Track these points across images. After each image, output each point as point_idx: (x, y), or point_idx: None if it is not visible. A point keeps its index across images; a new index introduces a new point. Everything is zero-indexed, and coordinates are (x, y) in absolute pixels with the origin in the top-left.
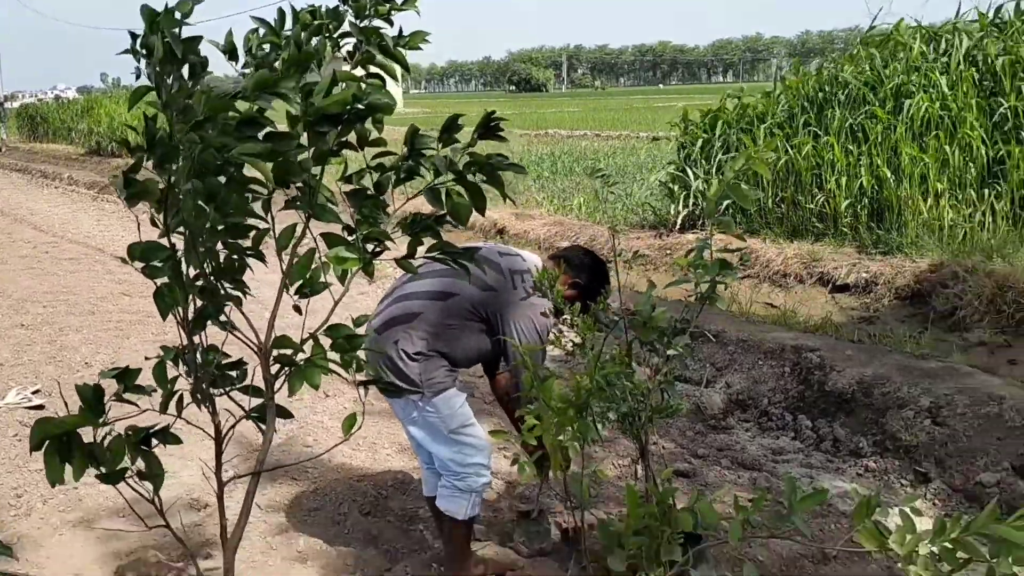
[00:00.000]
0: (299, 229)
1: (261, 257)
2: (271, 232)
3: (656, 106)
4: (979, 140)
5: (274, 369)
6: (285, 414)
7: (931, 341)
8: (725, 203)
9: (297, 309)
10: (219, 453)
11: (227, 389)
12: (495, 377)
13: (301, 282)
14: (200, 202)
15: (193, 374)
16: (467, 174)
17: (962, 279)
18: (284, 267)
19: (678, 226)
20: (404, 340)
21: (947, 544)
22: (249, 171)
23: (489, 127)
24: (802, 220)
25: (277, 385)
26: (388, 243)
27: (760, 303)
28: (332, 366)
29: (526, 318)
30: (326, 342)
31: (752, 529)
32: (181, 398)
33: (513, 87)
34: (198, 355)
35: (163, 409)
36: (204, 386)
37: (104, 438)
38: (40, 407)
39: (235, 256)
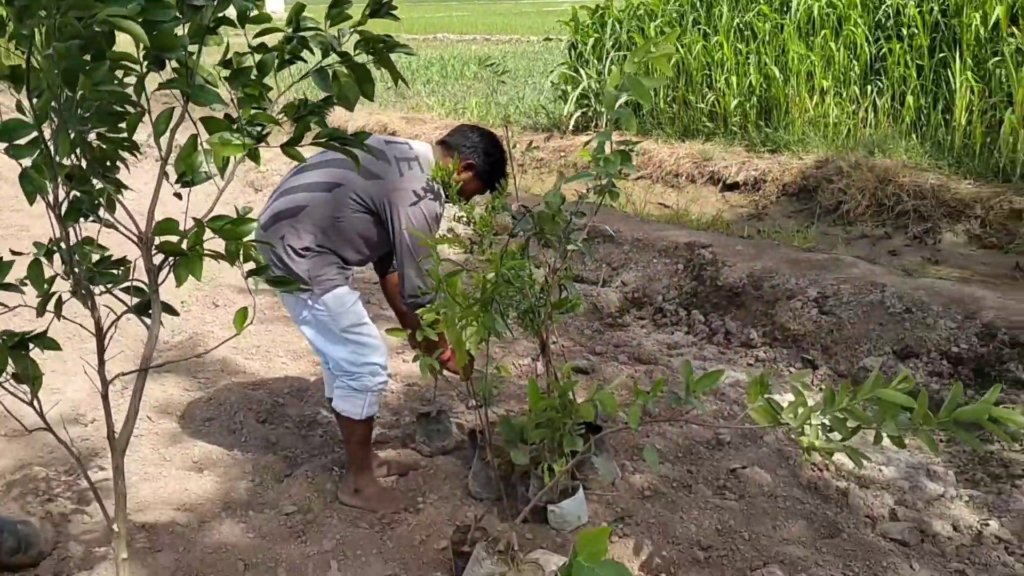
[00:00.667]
0: (177, 113)
1: (135, 147)
2: (148, 116)
3: (546, 10)
4: (863, 38)
5: (157, 260)
6: (170, 310)
7: (817, 235)
8: (621, 99)
9: (178, 195)
10: (101, 350)
11: (108, 286)
12: (386, 277)
13: (183, 171)
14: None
15: (69, 268)
16: (355, 55)
17: (846, 174)
18: (162, 154)
19: (571, 128)
20: (290, 235)
21: (837, 414)
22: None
23: (381, 3)
24: (693, 120)
25: (161, 278)
26: (273, 135)
27: (654, 203)
28: (218, 258)
29: (415, 207)
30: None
31: (651, 416)
32: (59, 299)
33: None
34: (74, 249)
35: (40, 311)
36: (82, 280)
37: None
38: None
39: (107, 146)
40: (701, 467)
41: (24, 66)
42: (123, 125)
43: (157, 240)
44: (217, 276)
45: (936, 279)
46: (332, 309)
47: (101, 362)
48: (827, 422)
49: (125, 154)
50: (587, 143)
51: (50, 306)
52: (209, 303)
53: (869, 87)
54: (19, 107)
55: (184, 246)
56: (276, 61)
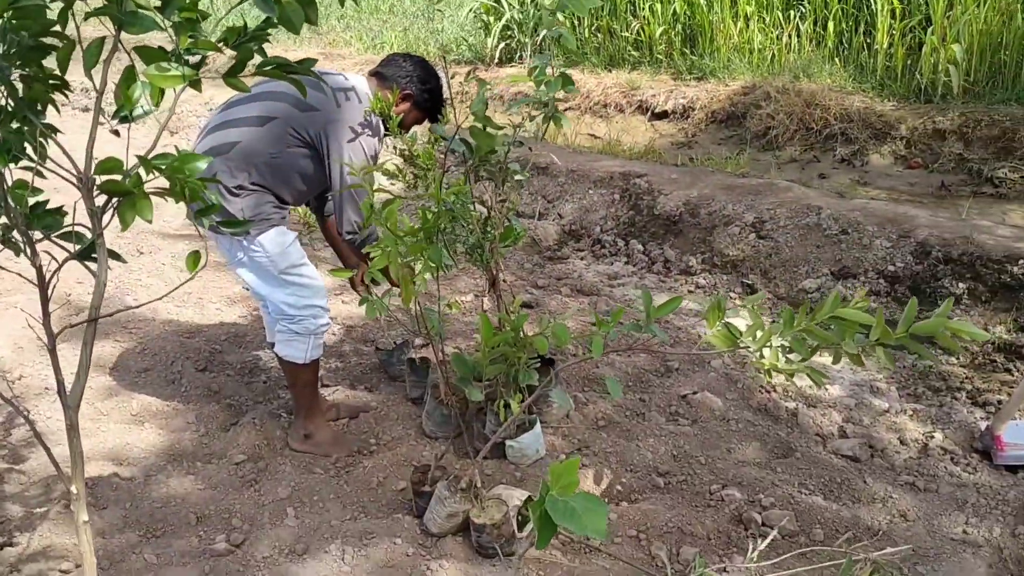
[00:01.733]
0: (109, 43)
1: (66, 85)
2: (78, 46)
3: None
4: None
5: (99, 202)
6: (115, 256)
7: (748, 160)
8: (543, 32)
9: (115, 133)
10: (45, 301)
11: (46, 234)
12: (326, 218)
13: (121, 105)
14: None
15: (5, 214)
16: None
17: (774, 99)
18: (97, 87)
19: (496, 60)
20: (222, 173)
21: (797, 334)
22: None
23: None
24: (619, 49)
25: (104, 221)
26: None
27: (583, 134)
28: (166, 196)
29: (354, 140)
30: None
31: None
32: None
33: None
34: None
35: None
36: (21, 227)
37: None
38: None
39: (34, 85)
40: (652, 395)
41: None
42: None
43: (98, 180)
44: (139, 222)
45: (869, 200)
46: (269, 250)
47: (46, 314)
48: (787, 343)
49: (56, 95)
50: (533, 70)
51: None
52: (133, 251)
53: (792, 12)
54: None
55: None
56: None
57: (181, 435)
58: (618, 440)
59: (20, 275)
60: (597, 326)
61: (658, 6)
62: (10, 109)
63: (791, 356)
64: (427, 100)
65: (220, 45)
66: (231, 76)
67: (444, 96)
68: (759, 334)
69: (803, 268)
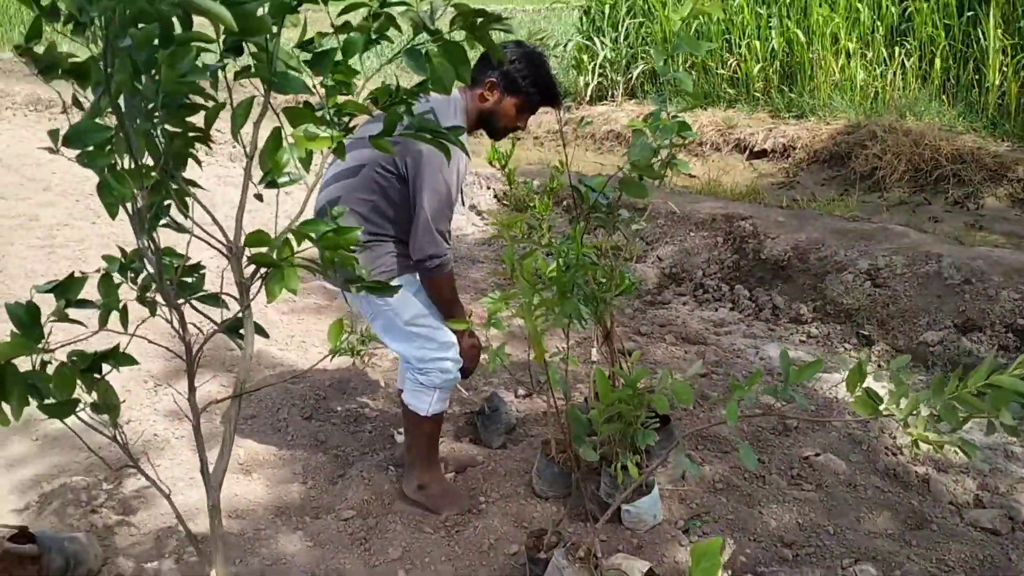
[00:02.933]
0: (258, 103)
1: (208, 138)
2: (229, 106)
3: None
4: None
5: (247, 272)
6: (260, 332)
7: (856, 203)
8: (638, 70)
9: (259, 197)
10: (192, 375)
11: (188, 298)
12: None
13: (269, 169)
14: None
15: (159, 281)
16: (448, 33)
17: (880, 139)
18: (247, 150)
19: (588, 99)
20: None
21: (948, 402)
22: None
23: None
24: (713, 87)
25: (252, 292)
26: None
27: (679, 174)
28: (313, 270)
29: (438, 164)
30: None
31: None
32: (126, 311)
33: None
34: (152, 259)
35: (103, 323)
36: (171, 295)
37: (45, 366)
38: None
39: (177, 142)
40: (772, 455)
41: (95, 59)
42: (193, 119)
43: (248, 252)
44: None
45: (993, 247)
46: (391, 301)
47: (191, 389)
48: (935, 411)
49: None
50: (648, 116)
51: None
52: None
53: (896, 48)
54: (75, 103)
55: (275, 256)
56: (361, 41)
57: (289, 487)
58: (738, 506)
59: (162, 345)
60: (733, 391)
61: (756, 43)
62: (163, 172)
63: (940, 426)
64: (515, 82)
65: (369, 106)
66: (378, 139)
67: (546, 70)
68: (904, 402)
69: (923, 319)
